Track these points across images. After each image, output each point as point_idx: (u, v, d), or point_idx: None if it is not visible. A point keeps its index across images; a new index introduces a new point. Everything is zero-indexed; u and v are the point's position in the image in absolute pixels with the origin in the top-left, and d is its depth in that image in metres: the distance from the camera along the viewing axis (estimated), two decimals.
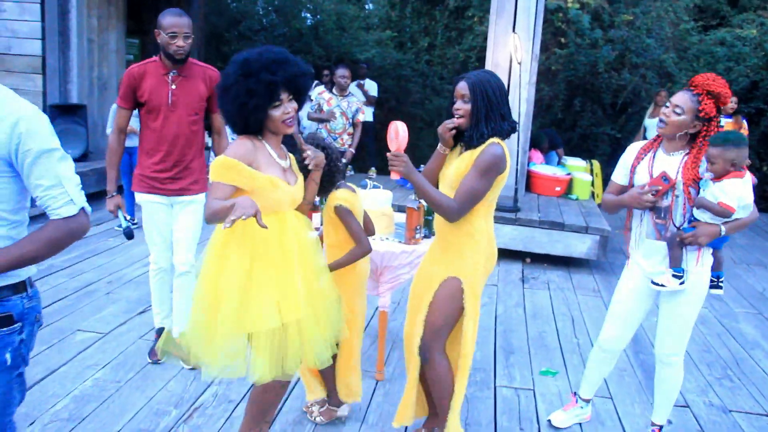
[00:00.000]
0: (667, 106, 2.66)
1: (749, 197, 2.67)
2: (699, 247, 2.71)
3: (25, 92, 7.52)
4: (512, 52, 6.25)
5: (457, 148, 2.64)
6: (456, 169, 2.52)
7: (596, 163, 8.67)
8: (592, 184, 7.82)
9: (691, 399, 3.59)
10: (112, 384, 3.27)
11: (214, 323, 2.26)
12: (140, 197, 3.45)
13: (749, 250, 7.29)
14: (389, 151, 2.51)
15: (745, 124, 7.64)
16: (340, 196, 2.79)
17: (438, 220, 2.64)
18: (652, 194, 2.68)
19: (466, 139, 2.54)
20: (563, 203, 6.99)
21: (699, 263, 2.74)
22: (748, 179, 2.68)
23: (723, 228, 2.66)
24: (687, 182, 2.66)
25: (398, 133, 2.52)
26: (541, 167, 7.60)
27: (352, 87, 9.85)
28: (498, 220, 5.92)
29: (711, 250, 2.77)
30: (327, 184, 2.77)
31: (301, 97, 2.35)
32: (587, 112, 12.11)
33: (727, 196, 2.60)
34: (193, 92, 3.39)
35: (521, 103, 6.34)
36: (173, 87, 3.32)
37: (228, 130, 3.28)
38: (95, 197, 7.34)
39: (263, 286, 2.25)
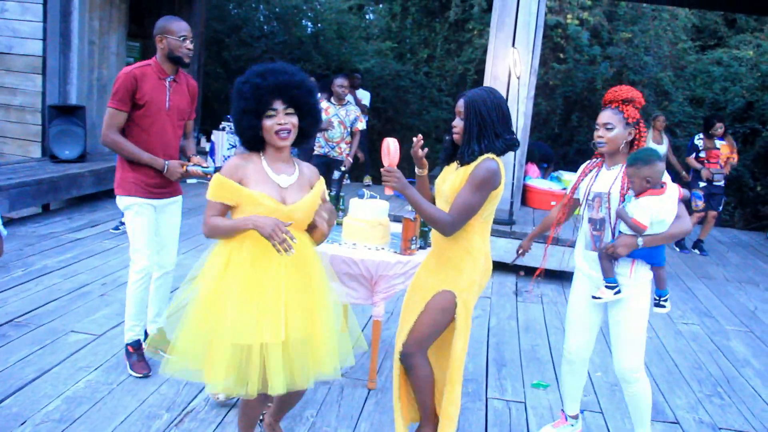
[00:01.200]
0: (597, 129, 2.84)
1: (668, 213, 2.73)
2: (632, 259, 2.80)
3: (25, 92, 7.54)
4: (511, 66, 6.30)
5: (454, 164, 2.67)
6: (451, 184, 2.57)
7: None
8: None
9: (681, 416, 3.61)
10: (105, 386, 3.27)
11: (208, 332, 2.29)
12: (130, 200, 3.38)
13: (741, 268, 7.33)
14: (383, 166, 2.55)
15: (734, 146, 7.74)
16: None
17: (435, 235, 2.69)
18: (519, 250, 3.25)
19: (458, 155, 2.60)
20: None
21: (632, 276, 2.81)
22: (668, 196, 2.74)
23: (640, 240, 2.73)
24: (622, 195, 2.78)
25: (390, 150, 2.56)
26: (536, 181, 7.64)
27: (352, 100, 9.89)
28: (493, 233, 5.90)
29: (647, 266, 2.84)
30: None
31: (302, 112, 2.36)
32: (584, 128, 12.21)
33: (640, 212, 2.70)
34: (183, 98, 3.48)
35: (519, 117, 6.39)
36: (170, 92, 3.38)
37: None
38: (94, 198, 7.34)
39: (246, 302, 2.26)
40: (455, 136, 2.60)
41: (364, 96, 10.04)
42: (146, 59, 3.44)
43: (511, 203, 6.27)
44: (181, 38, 3.29)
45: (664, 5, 12.00)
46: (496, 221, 5.99)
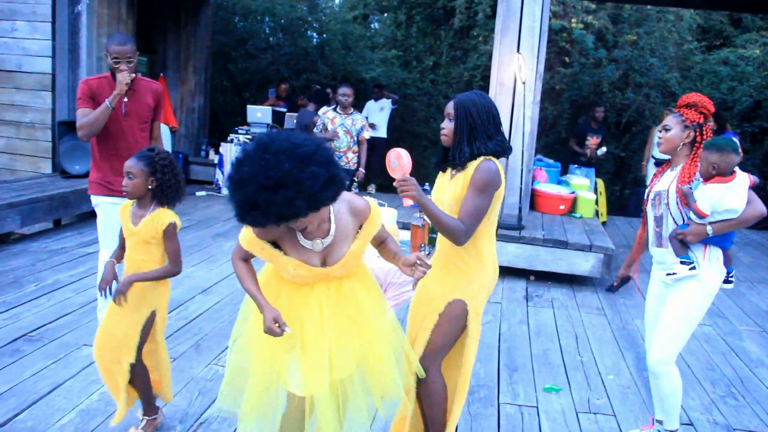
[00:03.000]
0: (660, 131, 3.02)
1: (734, 201, 2.81)
2: (704, 244, 2.91)
3: (35, 109, 7.63)
4: (517, 72, 6.31)
5: (448, 172, 2.64)
6: (452, 193, 2.53)
7: (600, 182, 8.70)
8: (596, 203, 7.84)
9: (695, 417, 3.59)
10: None
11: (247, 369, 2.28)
12: (97, 200, 3.77)
13: (753, 268, 7.28)
14: (388, 175, 2.49)
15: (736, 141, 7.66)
16: (171, 215, 2.80)
17: (443, 242, 2.62)
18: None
19: (450, 157, 2.56)
20: (567, 221, 7.01)
21: (706, 258, 2.92)
22: (735, 184, 2.83)
23: (710, 228, 2.83)
24: (678, 192, 2.91)
25: (401, 158, 2.42)
26: (545, 186, 7.63)
27: (374, 107, 9.99)
28: (502, 238, 5.94)
29: (719, 249, 2.93)
30: (165, 198, 2.79)
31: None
32: None
33: (704, 200, 2.82)
34: (143, 104, 3.80)
35: (525, 121, 6.39)
36: (126, 100, 3.70)
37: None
38: None
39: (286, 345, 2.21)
40: (444, 138, 2.55)
41: (386, 104, 10.13)
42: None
43: (520, 208, 6.27)
44: (114, 61, 3.58)
45: (668, 6, 11.99)
46: (505, 226, 6.00)
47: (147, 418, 2.96)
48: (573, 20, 12.79)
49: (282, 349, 2.19)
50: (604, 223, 7.56)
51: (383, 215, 3.55)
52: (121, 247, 2.90)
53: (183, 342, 4.05)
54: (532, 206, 7.38)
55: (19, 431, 2.93)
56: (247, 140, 9.60)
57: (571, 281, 6.18)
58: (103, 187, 3.75)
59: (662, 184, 3.03)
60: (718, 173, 2.84)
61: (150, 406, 2.97)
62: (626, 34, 12.72)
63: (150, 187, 2.74)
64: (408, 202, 2.44)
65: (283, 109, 10.17)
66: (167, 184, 2.76)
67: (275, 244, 2.17)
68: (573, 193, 7.52)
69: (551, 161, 8.56)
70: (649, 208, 3.11)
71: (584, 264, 6.00)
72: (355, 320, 2.27)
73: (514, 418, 3.44)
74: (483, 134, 2.48)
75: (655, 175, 3.17)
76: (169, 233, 2.78)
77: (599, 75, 12.03)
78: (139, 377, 2.87)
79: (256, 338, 2.25)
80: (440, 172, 2.71)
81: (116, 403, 2.91)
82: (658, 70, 12.02)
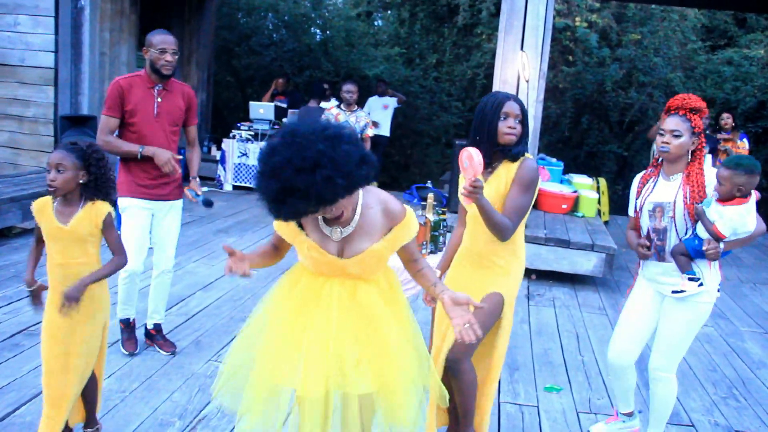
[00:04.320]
0: (662, 134, 2.79)
1: (752, 222, 2.74)
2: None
3: (38, 104, 7.62)
4: (520, 70, 6.29)
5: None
6: (496, 189, 2.60)
7: (603, 181, 8.69)
8: (599, 202, 7.82)
9: (696, 418, 3.58)
10: (117, 394, 3.29)
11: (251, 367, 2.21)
12: (125, 201, 3.62)
13: (756, 269, 7.26)
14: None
15: (745, 142, 7.60)
16: (107, 205, 2.60)
17: (478, 240, 2.65)
18: (641, 247, 2.90)
19: (508, 155, 2.61)
20: (569, 220, 6.99)
21: (711, 269, 2.84)
22: (751, 203, 2.74)
23: (722, 244, 2.75)
24: (689, 207, 2.76)
25: (473, 159, 2.34)
26: (547, 185, 7.61)
27: (377, 104, 9.97)
28: None
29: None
30: (99, 193, 2.56)
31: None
32: (594, 130, 12.16)
33: (723, 221, 2.68)
34: (174, 105, 3.67)
35: (529, 120, 6.37)
36: (159, 100, 3.59)
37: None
38: None
39: (285, 341, 2.15)
40: (512, 138, 2.59)
41: (391, 102, 10.12)
42: None
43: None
44: (160, 51, 3.50)
45: (673, 6, 11.95)
46: None
47: (89, 430, 2.79)
48: (577, 19, 12.75)
49: (290, 345, 2.14)
50: (606, 223, 7.55)
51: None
52: (36, 249, 2.66)
53: (183, 338, 4.04)
54: (535, 205, 7.34)
55: (18, 426, 2.93)
56: (250, 137, 9.60)
57: (572, 280, 6.17)
58: (132, 188, 3.60)
59: (663, 195, 2.84)
60: (740, 195, 2.70)
61: (94, 418, 2.80)
62: (630, 33, 12.69)
63: (81, 181, 2.50)
64: (468, 201, 2.44)
65: (284, 105, 10.16)
66: (102, 178, 2.55)
67: (300, 225, 2.14)
68: (575, 192, 7.51)
69: (554, 160, 8.54)
70: (644, 219, 2.92)
71: (586, 263, 5.98)
72: (369, 331, 2.13)
73: (515, 418, 3.43)
74: (527, 134, 2.66)
75: (641, 182, 2.99)
76: (109, 223, 2.58)
77: (603, 74, 12.00)
78: (90, 389, 2.70)
79: (265, 332, 2.20)
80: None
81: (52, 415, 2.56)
82: (662, 69, 12.00)
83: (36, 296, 2.63)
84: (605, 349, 4.47)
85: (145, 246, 3.69)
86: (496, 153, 2.64)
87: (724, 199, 2.71)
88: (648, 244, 2.89)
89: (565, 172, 8.64)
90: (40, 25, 7.48)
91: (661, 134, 2.81)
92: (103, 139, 3.54)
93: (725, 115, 7.46)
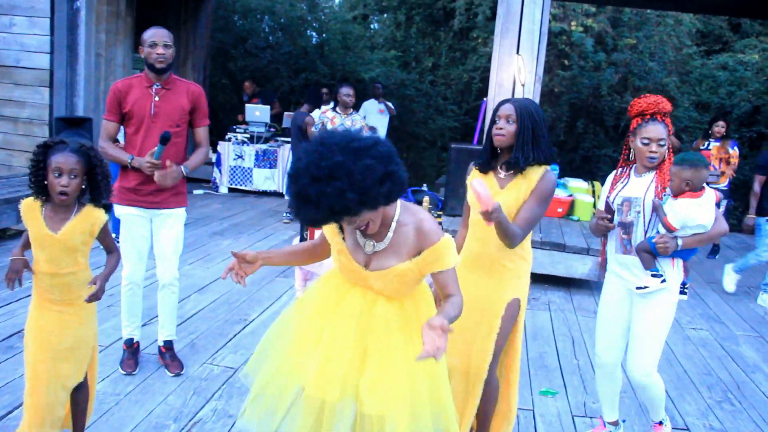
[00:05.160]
0: (646, 143, 2.80)
1: (704, 217, 2.80)
2: (672, 256, 2.85)
3: (33, 105, 7.60)
4: (516, 74, 6.31)
5: (490, 174, 2.69)
6: (515, 198, 2.59)
7: (598, 185, 8.69)
8: (594, 206, 7.83)
9: (691, 422, 3.58)
10: (112, 397, 3.28)
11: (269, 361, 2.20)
12: (120, 210, 3.49)
13: (750, 273, 7.27)
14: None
15: (736, 150, 7.59)
16: (100, 210, 2.50)
17: (490, 245, 2.63)
18: (601, 219, 2.94)
19: (512, 160, 2.59)
20: (565, 224, 7.00)
21: (674, 268, 2.89)
22: (706, 199, 2.82)
23: (680, 241, 2.80)
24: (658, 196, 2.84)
25: (479, 195, 2.28)
26: None
27: (373, 108, 9.96)
28: None
29: (681, 260, 2.93)
30: (98, 197, 2.45)
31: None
32: (589, 134, 12.19)
33: (673, 214, 2.78)
34: (175, 104, 3.48)
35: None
36: (156, 99, 3.43)
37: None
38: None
39: (311, 347, 2.13)
40: (500, 139, 2.58)
41: (386, 109, 10.12)
42: None
43: None
44: (150, 44, 3.36)
45: (668, 11, 12.00)
46: None
47: None
48: (573, 23, 12.79)
49: (306, 342, 2.14)
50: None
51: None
52: (23, 248, 2.50)
53: (178, 341, 4.02)
54: None
55: (12, 429, 2.91)
56: (245, 139, 9.59)
57: (568, 284, 6.17)
58: (126, 196, 3.44)
59: (633, 191, 2.89)
60: (690, 189, 2.82)
61: (82, 430, 2.68)
62: (626, 37, 12.73)
63: (83, 186, 2.39)
64: (490, 224, 2.41)
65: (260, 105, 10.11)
66: (104, 182, 2.42)
67: (341, 228, 2.15)
68: (571, 196, 7.52)
69: None
70: (616, 215, 2.95)
71: (581, 267, 5.99)
72: (375, 346, 2.08)
73: None
74: (544, 141, 2.58)
75: (615, 181, 3.01)
76: (105, 230, 2.51)
77: (598, 78, 12.04)
78: (82, 397, 2.61)
79: (291, 330, 2.21)
80: (475, 172, 2.74)
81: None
82: (657, 74, 12.04)
83: (14, 270, 2.42)
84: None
85: (145, 254, 3.57)
86: (500, 157, 2.67)
87: (675, 194, 2.83)
88: (609, 216, 2.93)
89: (561, 175, 8.65)
90: (35, 26, 7.45)
91: (646, 143, 2.81)
92: (100, 144, 3.46)
93: (720, 123, 7.43)
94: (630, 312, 3.03)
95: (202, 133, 3.66)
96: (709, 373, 4.31)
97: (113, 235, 3.51)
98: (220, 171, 9.65)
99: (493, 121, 2.64)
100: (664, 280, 2.85)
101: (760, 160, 6.48)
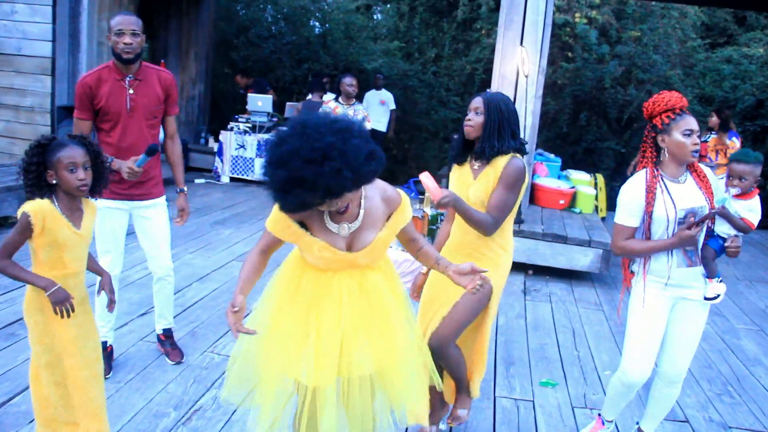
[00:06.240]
0: (688, 134, 2.60)
1: (756, 218, 2.81)
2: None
3: (34, 93, 7.59)
4: (519, 65, 6.28)
5: (466, 166, 2.80)
6: (484, 188, 2.68)
7: (600, 177, 8.68)
8: (596, 198, 7.82)
9: (691, 414, 3.59)
10: (112, 385, 3.28)
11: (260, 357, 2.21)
12: (101, 202, 3.20)
13: (752, 266, 7.28)
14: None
15: (735, 141, 7.54)
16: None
17: (470, 234, 2.73)
18: (692, 226, 2.60)
19: (477, 150, 2.70)
20: (567, 216, 6.99)
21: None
22: (757, 201, 2.82)
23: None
24: (713, 208, 2.66)
25: (429, 186, 2.45)
26: (545, 180, 7.60)
27: (374, 100, 9.94)
28: None
29: None
30: (99, 189, 2.43)
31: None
32: (592, 127, 12.14)
33: (753, 213, 2.75)
34: (151, 96, 3.30)
35: (527, 115, 6.36)
36: (131, 92, 3.23)
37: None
38: None
39: (299, 335, 2.14)
40: (469, 130, 2.70)
41: (387, 97, 10.10)
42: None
43: (520, 202, 6.25)
44: (117, 33, 3.12)
45: (673, 3, 11.94)
46: None
47: None
48: (577, 15, 12.72)
49: (299, 336, 2.13)
50: (603, 219, 7.55)
51: None
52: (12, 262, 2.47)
53: (179, 329, 4.03)
54: (532, 200, 7.36)
55: (13, 415, 2.92)
56: (247, 129, 9.58)
57: (569, 276, 6.17)
58: (110, 189, 3.19)
59: (690, 200, 2.64)
60: (757, 185, 2.80)
61: None
62: (630, 30, 12.66)
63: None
64: (444, 209, 2.59)
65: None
66: (106, 173, 2.41)
67: (302, 225, 2.10)
68: (573, 187, 7.50)
69: (552, 156, 8.53)
70: (657, 228, 2.70)
71: (583, 259, 5.99)
72: (376, 317, 2.18)
73: (510, 412, 3.43)
74: (509, 132, 2.67)
75: (650, 189, 2.66)
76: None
77: (602, 71, 11.97)
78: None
79: (273, 326, 2.19)
80: (455, 166, 2.86)
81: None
82: (661, 66, 11.97)
83: (62, 300, 2.28)
84: (601, 345, 4.49)
85: (121, 248, 3.42)
86: (471, 147, 2.78)
87: (747, 192, 2.77)
88: (698, 222, 2.60)
89: (563, 168, 8.64)
90: (37, 14, 7.43)
91: (689, 134, 2.60)
92: None
93: (713, 116, 7.41)
94: (665, 325, 2.84)
95: (173, 122, 3.52)
96: (709, 365, 4.31)
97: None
98: (221, 160, 9.64)
99: (466, 114, 2.74)
100: (722, 281, 2.79)
101: None
